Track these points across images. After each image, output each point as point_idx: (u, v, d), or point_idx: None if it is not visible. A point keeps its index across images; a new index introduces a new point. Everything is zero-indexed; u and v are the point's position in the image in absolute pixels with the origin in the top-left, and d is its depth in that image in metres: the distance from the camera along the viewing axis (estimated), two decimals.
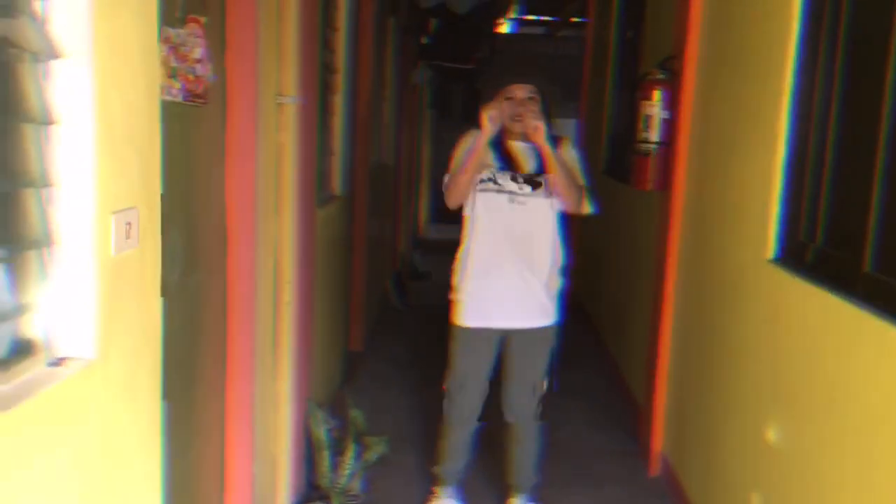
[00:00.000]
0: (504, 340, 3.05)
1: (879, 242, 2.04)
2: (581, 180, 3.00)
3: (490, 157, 2.92)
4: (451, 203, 2.93)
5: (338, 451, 3.25)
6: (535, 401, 3.09)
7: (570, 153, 3.00)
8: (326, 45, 3.97)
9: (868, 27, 2.19)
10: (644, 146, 3.88)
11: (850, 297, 2.05)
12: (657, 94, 3.78)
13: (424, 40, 8.14)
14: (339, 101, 4.36)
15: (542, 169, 2.90)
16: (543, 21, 11.40)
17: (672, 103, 3.72)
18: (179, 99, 2.09)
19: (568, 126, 7.42)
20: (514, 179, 2.91)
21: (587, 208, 3.02)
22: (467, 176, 2.86)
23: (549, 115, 2.90)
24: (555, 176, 2.84)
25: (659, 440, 3.84)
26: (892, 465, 1.80)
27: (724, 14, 3.26)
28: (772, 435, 2.48)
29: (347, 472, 3.19)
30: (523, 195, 2.90)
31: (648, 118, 3.83)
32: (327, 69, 4.03)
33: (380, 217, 6.46)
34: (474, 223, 2.95)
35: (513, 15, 10.88)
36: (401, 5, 6.74)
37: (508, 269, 2.93)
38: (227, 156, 2.46)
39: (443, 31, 7.63)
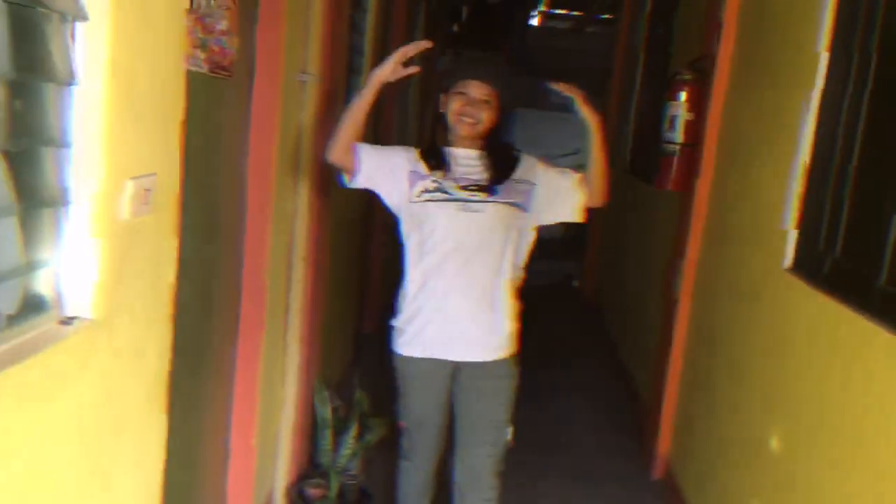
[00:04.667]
0: (454, 376, 2.54)
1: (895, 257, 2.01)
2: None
3: (423, 167, 2.47)
4: (328, 153, 2.36)
5: (341, 430, 3.26)
6: (493, 455, 2.56)
7: (544, 164, 2.54)
8: (355, 28, 3.96)
9: None
10: (668, 146, 3.85)
11: (862, 311, 2.03)
12: (684, 95, 3.74)
13: (455, 27, 8.11)
14: None
15: (496, 183, 2.44)
16: (571, 16, 11.38)
17: (698, 105, 3.68)
18: (205, 70, 2.10)
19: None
20: (463, 188, 2.42)
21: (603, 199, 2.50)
22: (350, 114, 2.32)
23: (502, 126, 2.49)
24: (600, 152, 2.39)
25: (665, 443, 3.83)
26: None
27: (756, 16, 3.22)
28: (776, 444, 2.47)
29: (348, 452, 3.20)
30: (478, 202, 2.41)
31: (674, 118, 3.80)
32: (356, 51, 4.02)
33: None
34: (419, 238, 2.46)
35: (542, 8, 10.84)
36: None
37: (463, 292, 2.43)
38: (251, 131, 2.47)
39: (474, 19, 7.59)
